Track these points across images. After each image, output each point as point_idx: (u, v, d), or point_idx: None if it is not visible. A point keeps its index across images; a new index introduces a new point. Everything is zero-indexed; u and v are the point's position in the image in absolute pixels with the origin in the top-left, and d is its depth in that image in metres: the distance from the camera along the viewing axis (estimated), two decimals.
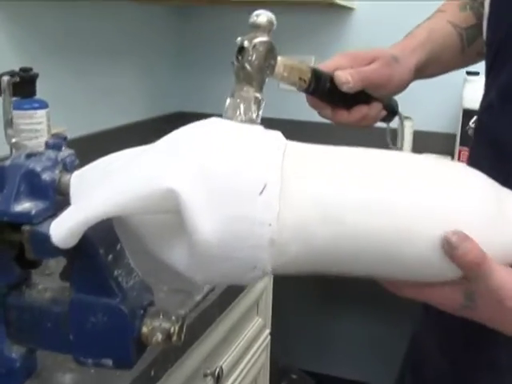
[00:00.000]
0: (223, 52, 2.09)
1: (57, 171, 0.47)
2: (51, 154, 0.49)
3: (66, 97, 1.55)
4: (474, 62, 0.82)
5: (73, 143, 0.85)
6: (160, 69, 2.04)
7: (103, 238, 0.46)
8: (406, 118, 1.91)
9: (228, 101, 0.63)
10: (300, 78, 0.67)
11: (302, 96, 0.72)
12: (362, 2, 1.90)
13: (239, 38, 0.63)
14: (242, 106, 0.62)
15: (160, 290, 0.82)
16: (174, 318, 0.47)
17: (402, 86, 0.74)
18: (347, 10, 1.91)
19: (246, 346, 1.21)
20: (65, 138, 0.53)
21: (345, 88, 0.68)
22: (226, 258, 0.40)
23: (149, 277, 0.51)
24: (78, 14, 1.57)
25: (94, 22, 1.65)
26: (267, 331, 1.35)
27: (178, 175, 0.39)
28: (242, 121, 0.62)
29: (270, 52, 0.63)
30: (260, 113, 0.63)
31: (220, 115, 0.57)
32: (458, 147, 1.76)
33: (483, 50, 0.68)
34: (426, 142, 1.87)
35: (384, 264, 0.43)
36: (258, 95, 0.63)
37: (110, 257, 0.46)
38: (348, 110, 0.72)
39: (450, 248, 0.41)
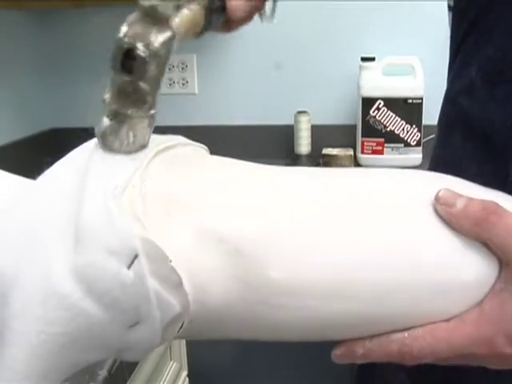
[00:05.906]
0: (97, 57, 1.88)
1: None
2: None
3: None
4: None
5: None
6: (24, 82, 1.77)
7: None
8: (302, 112, 1.79)
9: (105, 122, 0.41)
10: (194, 33, 0.47)
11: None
12: None
13: (123, 37, 0.38)
14: (130, 134, 0.41)
15: None
16: None
17: None
18: None
19: None
20: None
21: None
22: None
23: None
24: None
25: None
26: (184, 373, 1.17)
27: None
28: (129, 151, 0.41)
29: (173, 48, 0.41)
30: (152, 130, 0.43)
31: None
32: (360, 139, 1.67)
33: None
34: (325, 137, 1.76)
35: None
36: (152, 112, 0.41)
37: None
38: None
39: (447, 207, 0.35)
